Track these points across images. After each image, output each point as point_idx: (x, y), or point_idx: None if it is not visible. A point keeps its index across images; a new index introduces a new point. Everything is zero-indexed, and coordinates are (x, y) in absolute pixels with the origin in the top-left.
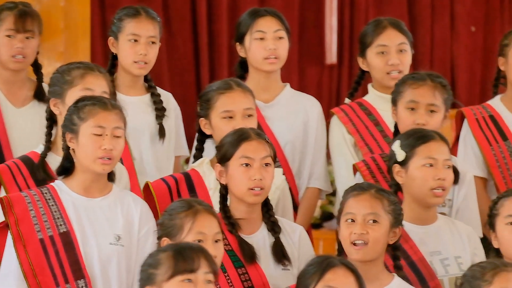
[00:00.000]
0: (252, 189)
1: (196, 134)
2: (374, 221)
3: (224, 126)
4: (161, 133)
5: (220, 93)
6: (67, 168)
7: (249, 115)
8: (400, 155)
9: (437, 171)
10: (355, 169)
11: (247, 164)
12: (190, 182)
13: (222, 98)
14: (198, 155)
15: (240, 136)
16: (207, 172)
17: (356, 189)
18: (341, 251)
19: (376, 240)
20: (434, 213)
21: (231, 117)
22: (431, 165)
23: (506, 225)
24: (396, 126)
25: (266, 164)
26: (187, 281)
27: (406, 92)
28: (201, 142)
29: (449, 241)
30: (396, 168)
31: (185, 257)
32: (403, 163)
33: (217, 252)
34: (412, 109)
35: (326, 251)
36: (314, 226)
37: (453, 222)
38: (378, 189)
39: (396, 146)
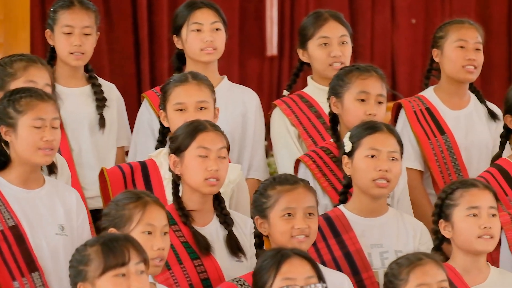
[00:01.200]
0: (207, 179)
1: (159, 126)
2: (311, 214)
3: (177, 118)
4: (101, 123)
5: (175, 85)
6: (3, 162)
7: (203, 108)
8: (347, 146)
9: (379, 162)
10: (297, 163)
11: (203, 155)
12: (146, 171)
13: (176, 90)
14: (159, 147)
15: (197, 127)
16: (163, 162)
17: (286, 183)
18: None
19: (315, 232)
20: (383, 206)
21: (183, 109)
22: (373, 156)
23: (467, 217)
24: (333, 118)
25: (222, 156)
26: (120, 275)
27: (354, 83)
28: (163, 134)
29: (393, 235)
30: (345, 159)
31: (114, 251)
32: (350, 154)
33: (165, 244)
34: (363, 100)
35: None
36: None
37: (402, 215)
38: (303, 180)
39: (346, 138)
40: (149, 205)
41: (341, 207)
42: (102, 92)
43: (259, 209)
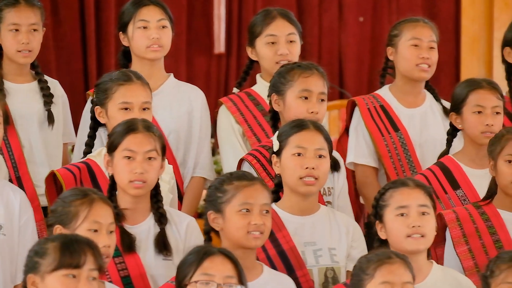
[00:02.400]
0: (132, 181)
1: (90, 122)
2: (267, 212)
3: (121, 117)
4: (50, 119)
5: (120, 84)
6: None
7: (146, 108)
8: (276, 145)
9: (306, 160)
10: (240, 162)
11: (129, 157)
12: (92, 172)
13: (122, 90)
14: (90, 143)
15: (127, 128)
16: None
17: (244, 178)
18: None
19: (269, 230)
20: (314, 204)
21: (128, 109)
22: (300, 154)
23: (396, 217)
24: (274, 115)
25: (150, 158)
26: (71, 276)
27: (297, 81)
28: (94, 130)
29: (326, 233)
30: (274, 158)
31: (71, 251)
32: (278, 153)
33: (111, 242)
34: (305, 98)
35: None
36: (201, 215)
37: (335, 213)
38: (259, 178)
39: (274, 137)
40: (95, 203)
41: (273, 205)
42: (49, 88)
43: (213, 203)
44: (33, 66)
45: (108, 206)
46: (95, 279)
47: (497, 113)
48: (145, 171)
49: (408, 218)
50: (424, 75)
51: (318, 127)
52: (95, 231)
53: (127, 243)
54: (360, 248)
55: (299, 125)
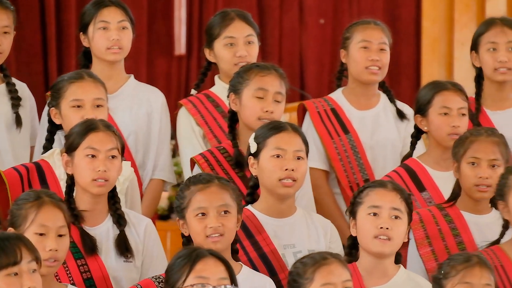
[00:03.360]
0: (96, 180)
1: (47, 125)
2: (226, 212)
3: (73, 115)
4: (18, 121)
5: (71, 83)
6: None
7: (99, 106)
8: (253, 146)
9: (285, 161)
10: (192, 162)
11: (92, 155)
12: (41, 173)
13: (72, 87)
14: (48, 146)
15: (88, 127)
16: (57, 162)
17: (199, 182)
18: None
19: (230, 230)
20: (291, 206)
21: (80, 106)
22: (279, 156)
23: (367, 215)
24: (232, 115)
25: (112, 156)
26: (12, 275)
27: (253, 80)
28: (52, 132)
29: (304, 235)
30: (251, 160)
31: (5, 250)
32: (256, 155)
33: (60, 245)
34: (260, 97)
35: (174, 243)
36: (162, 217)
37: (311, 215)
38: (220, 179)
39: (251, 138)
40: (44, 206)
41: (250, 207)
42: (16, 91)
43: (178, 210)
44: (1, 68)
45: (58, 209)
46: (36, 271)
47: (463, 114)
48: (107, 169)
49: (379, 218)
50: (374, 77)
51: (296, 129)
52: (41, 234)
53: (89, 245)
54: (338, 249)
55: (277, 127)
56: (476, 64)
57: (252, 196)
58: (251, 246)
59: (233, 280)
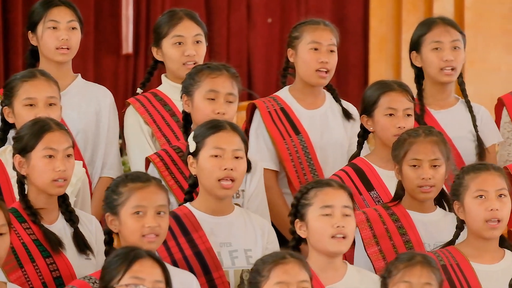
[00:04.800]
0: (56, 180)
1: (0, 123)
2: (162, 213)
3: (26, 114)
4: None
5: (24, 81)
6: None
7: (52, 104)
8: (192, 146)
9: (224, 161)
10: (147, 162)
11: (50, 156)
12: None
13: (25, 86)
14: (0, 144)
15: (42, 127)
16: (9, 160)
17: (138, 180)
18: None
19: (165, 231)
20: (229, 204)
21: (33, 105)
22: (217, 156)
23: (320, 216)
24: (186, 116)
25: (68, 155)
26: None
27: (204, 81)
28: (4, 131)
29: (241, 234)
30: (190, 159)
31: None
32: (195, 154)
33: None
34: (212, 99)
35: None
36: None
37: (249, 214)
38: (155, 179)
39: (190, 137)
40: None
41: (188, 205)
42: None
43: (110, 206)
44: None
45: None
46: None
47: (409, 115)
48: (66, 169)
49: (333, 218)
50: (322, 81)
51: (235, 128)
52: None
53: (54, 241)
54: (275, 248)
55: (216, 126)
56: (417, 64)
57: (191, 194)
58: (186, 244)
59: (168, 284)
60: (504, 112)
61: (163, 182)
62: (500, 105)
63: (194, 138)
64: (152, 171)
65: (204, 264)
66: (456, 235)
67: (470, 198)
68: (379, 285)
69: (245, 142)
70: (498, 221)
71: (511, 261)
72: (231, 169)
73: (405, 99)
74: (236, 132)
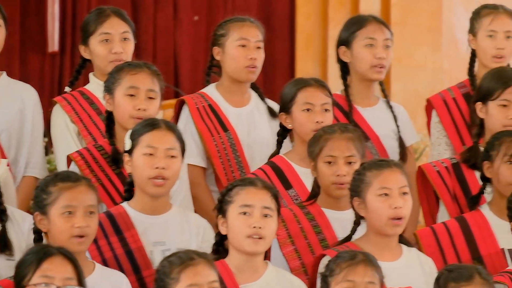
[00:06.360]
0: None
1: None
2: (92, 213)
3: None
4: None
5: None
6: None
7: None
8: (127, 143)
9: (156, 159)
10: (69, 160)
11: None
12: None
13: None
14: None
15: None
16: None
17: (68, 180)
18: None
19: (95, 231)
20: (165, 203)
21: None
22: (150, 154)
23: (238, 215)
24: (109, 115)
25: None
26: None
27: (124, 79)
28: None
29: (176, 233)
30: (126, 157)
31: None
32: (130, 152)
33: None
34: (132, 95)
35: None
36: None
37: (186, 214)
38: (85, 178)
39: (127, 135)
40: None
41: (124, 204)
42: None
43: (39, 205)
44: None
45: None
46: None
47: (326, 110)
48: None
49: (251, 218)
50: (252, 76)
51: (170, 127)
52: None
53: None
54: (209, 250)
55: (151, 124)
56: (345, 59)
57: (129, 193)
58: (118, 243)
59: (81, 282)
60: (434, 112)
61: None
62: (429, 106)
63: (130, 136)
64: (74, 170)
65: (134, 263)
66: (353, 231)
67: (373, 195)
68: (296, 285)
69: (181, 141)
70: (401, 218)
71: (410, 258)
72: (163, 168)
73: (322, 94)
74: (171, 130)
